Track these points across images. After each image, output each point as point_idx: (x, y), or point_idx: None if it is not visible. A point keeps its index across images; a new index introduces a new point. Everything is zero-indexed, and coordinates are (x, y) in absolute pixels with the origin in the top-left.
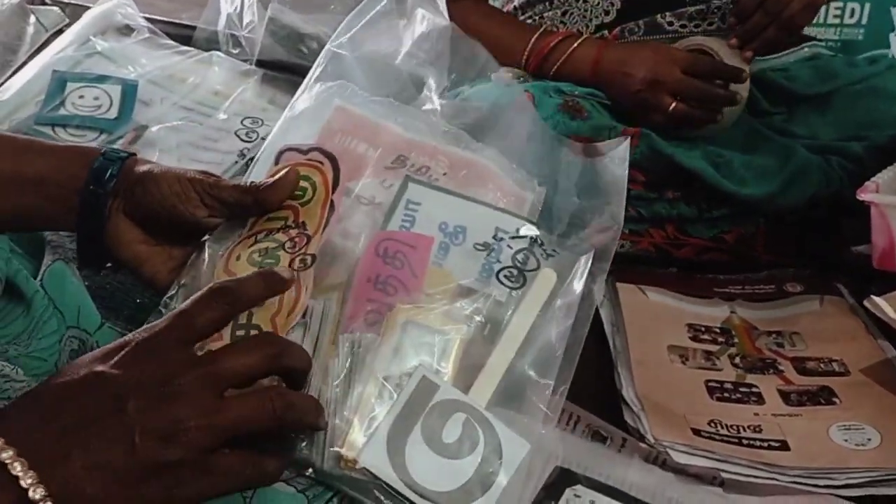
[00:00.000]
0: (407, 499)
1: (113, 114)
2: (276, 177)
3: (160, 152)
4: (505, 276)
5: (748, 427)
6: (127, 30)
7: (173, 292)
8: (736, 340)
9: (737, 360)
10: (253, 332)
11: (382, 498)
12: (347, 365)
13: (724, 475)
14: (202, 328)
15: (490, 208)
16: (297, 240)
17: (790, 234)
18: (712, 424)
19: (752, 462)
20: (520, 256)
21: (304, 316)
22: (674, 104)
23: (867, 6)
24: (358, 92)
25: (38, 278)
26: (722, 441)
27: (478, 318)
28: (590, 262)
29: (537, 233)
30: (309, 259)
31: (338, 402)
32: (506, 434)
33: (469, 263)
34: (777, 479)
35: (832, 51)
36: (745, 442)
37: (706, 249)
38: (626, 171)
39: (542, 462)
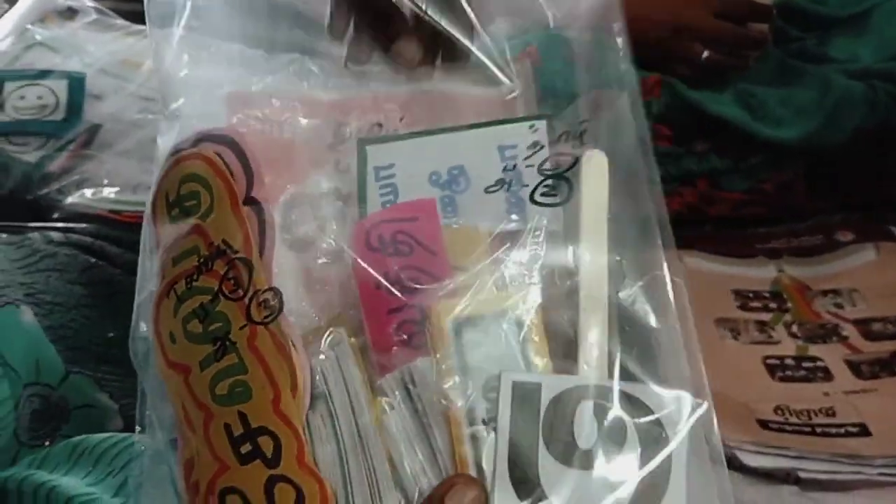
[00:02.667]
0: None
1: (60, 114)
2: None
3: (117, 155)
4: (543, 195)
5: (820, 411)
6: (70, 13)
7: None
8: (789, 305)
9: (794, 328)
10: (262, 440)
11: None
12: (414, 414)
13: (801, 474)
14: None
15: (479, 128)
16: (232, 275)
17: (834, 175)
18: (779, 412)
19: (831, 455)
20: (548, 165)
21: (314, 384)
22: (706, 53)
23: None
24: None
25: None
26: (793, 432)
27: (537, 266)
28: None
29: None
30: (270, 298)
31: (425, 472)
32: (651, 395)
33: (488, 206)
34: (862, 473)
35: None
36: (819, 430)
37: (743, 203)
38: None
39: None
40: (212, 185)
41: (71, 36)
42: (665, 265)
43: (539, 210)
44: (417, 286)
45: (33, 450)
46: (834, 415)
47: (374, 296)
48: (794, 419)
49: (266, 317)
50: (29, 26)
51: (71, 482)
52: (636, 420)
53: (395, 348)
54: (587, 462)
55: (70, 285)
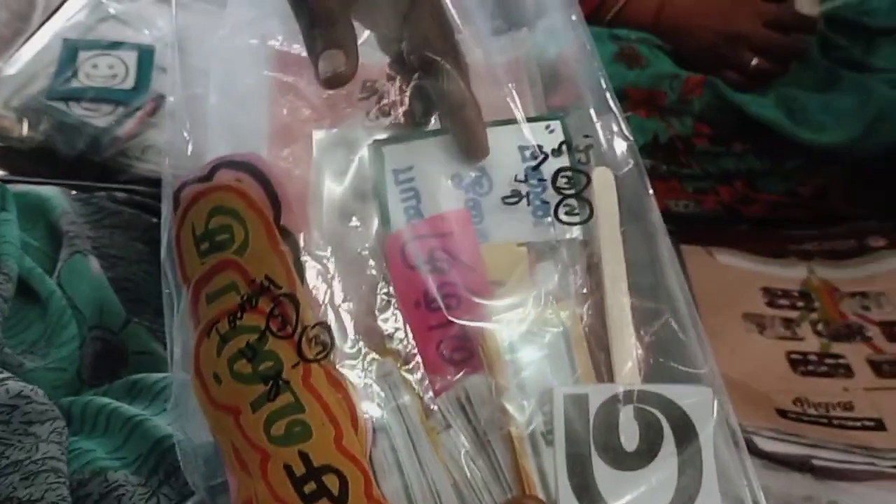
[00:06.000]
0: None
1: (129, 83)
2: None
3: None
4: (567, 214)
5: (838, 404)
6: None
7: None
8: (817, 304)
9: (819, 326)
10: (328, 478)
11: None
12: (473, 432)
13: (815, 462)
14: None
15: (496, 126)
16: (279, 312)
17: (871, 184)
18: (798, 403)
19: (846, 446)
20: (563, 182)
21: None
22: (755, 61)
23: None
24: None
25: (55, 275)
26: (810, 423)
27: (572, 279)
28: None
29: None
30: (322, 335)
31: (489, 489)
32: (677, 393)
33: (514, 215)
34: (874, 465)
35: None
36: (835, 422)
37: (779, 205)
38: None
39: None
40: (245, 219)
41: (142, 10)
42: (673, 273)
43: (561, 226)
44: (457, 303)
45: (93, 388)
46: (852, 409)
47: (416, 313)
48: (812, 410)
49: (318, 353)
50: (103, 0)
51: (131, 408)
52: (670, 418)
53: (442, 365)
54: (634, 463)
55: (133, 242)
